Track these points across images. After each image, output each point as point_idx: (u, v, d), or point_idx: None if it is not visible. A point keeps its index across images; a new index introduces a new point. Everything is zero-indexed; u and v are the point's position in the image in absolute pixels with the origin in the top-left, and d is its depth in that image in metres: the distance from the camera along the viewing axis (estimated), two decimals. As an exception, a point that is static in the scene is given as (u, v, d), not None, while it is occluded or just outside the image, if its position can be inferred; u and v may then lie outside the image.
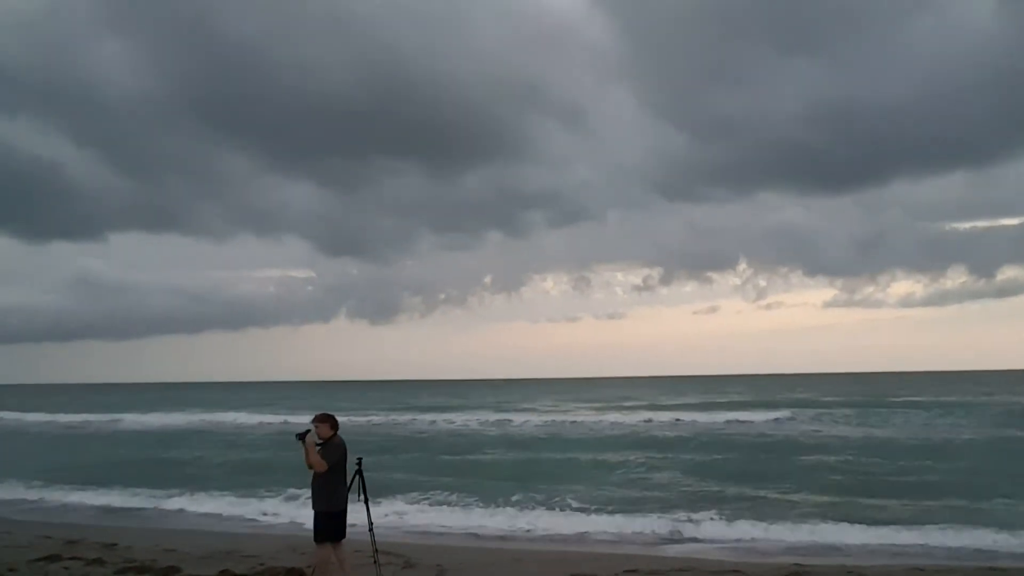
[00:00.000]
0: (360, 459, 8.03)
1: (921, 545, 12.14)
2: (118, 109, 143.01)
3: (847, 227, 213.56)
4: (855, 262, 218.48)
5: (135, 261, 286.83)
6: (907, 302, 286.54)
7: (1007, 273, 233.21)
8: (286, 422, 38.99)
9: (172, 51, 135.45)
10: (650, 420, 38.20)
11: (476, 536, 13.27)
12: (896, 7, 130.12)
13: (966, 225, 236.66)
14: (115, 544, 11.44)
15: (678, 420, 38.32)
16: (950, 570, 9.87)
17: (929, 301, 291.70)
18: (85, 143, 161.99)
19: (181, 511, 15.97)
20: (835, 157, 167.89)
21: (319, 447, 7.72)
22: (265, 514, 15.43)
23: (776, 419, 38.14)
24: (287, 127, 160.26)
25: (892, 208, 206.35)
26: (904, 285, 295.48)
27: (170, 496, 17.24)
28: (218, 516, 15.42)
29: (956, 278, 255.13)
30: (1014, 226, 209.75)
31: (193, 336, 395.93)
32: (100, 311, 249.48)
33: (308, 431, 7.76)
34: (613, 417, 40.17)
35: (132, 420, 44.35)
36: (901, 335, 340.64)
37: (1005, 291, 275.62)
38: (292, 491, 16.81)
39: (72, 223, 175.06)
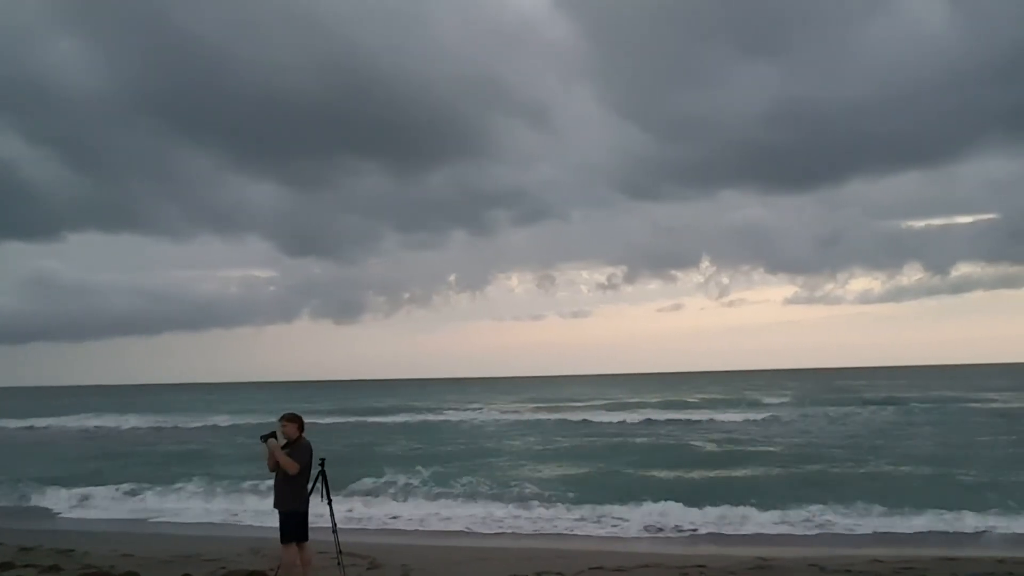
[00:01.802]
0: (323, 460, 7.98)
1: (882, 533, 12.48)
2: (74, 107, 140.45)
3: (807, 225, 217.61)
4: (815, 260, 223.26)
5: (93, 261, 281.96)
6: (865, 298, 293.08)
7: (961, 270, 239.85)
8: (260, 423, 38.51)
9: (128, 48, 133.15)
10: (621, 420, 38.30)
11: (441, 535, 13.25)
12: (853, 10, 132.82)
13: (921, 223, 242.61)
14: (72, 550, 11.18)
15: (643, 419, 38.56)
16: (909, 560, 10.07)
17: (886, 297, 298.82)
18: (40, 141, 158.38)
19: (143, 514, 15.73)
20: (795, 157, 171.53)
21: (286, 448, 7.65)
22: (226, 516, 15.25)
23: (739, 415, 38.64)
24: (249, 126, 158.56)
25: (850, 207, 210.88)
26: (862, 282, 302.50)
27: (131, 499, 16.97)
28: (177, 519, 15.20)
29: (912, 275, 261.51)
30: (967, 224, 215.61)
31: (153, 337, 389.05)
32: (57, 312, 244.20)
33: (273, 432, 7.68)
34: (584, 416, 40.32)
35: (88, 421, 43.47)
36: (860, 331, 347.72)
37: (959, 287, 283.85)
38: (252, 493, 16.61)
39: (28, 223, 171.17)
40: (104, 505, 16.66)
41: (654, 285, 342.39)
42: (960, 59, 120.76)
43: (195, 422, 42.23)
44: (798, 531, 12.90)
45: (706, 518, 13.65)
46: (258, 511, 14.98)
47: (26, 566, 10.03)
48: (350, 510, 14.84)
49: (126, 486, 18.14)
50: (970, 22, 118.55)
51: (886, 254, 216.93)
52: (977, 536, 12.34)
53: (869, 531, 12.78)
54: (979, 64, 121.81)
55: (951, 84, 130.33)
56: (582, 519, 14.03)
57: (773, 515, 13.72)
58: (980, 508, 13.52)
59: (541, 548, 11.68)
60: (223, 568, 9.88)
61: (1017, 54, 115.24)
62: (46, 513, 16.29)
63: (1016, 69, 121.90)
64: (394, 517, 14.78)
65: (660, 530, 13.16)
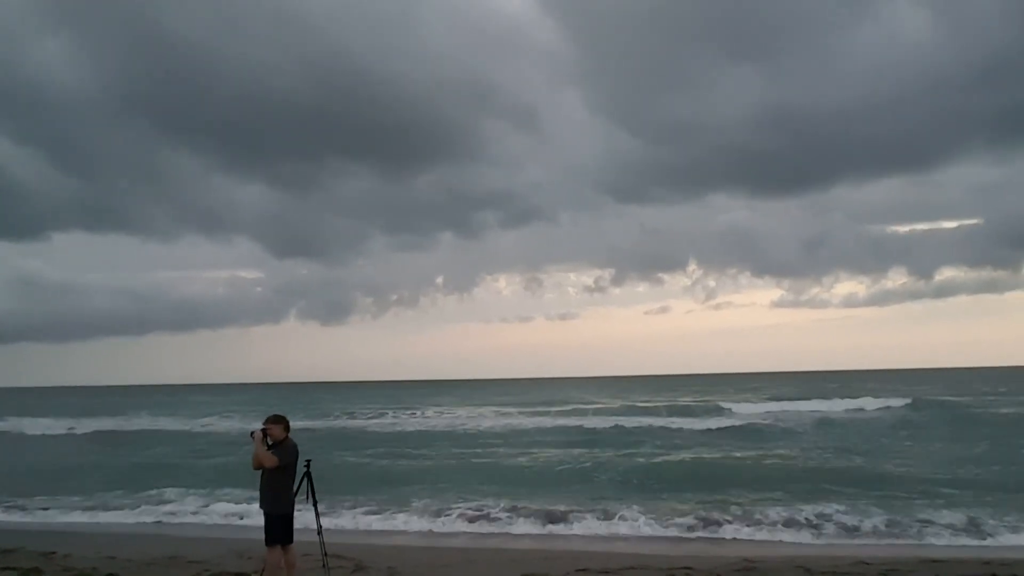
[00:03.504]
0: (308, 462, 7.95)
1: (869, 536, 12.53)
2: (61, 107, 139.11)
3: (793, 229, 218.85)
4: (801, 263, 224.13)
5: (79, 261, 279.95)
6: (850, 302, 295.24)
7: (945, 274, 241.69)
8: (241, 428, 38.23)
9: (116, 49, 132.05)
10: (614, 424, 38.07)
11: (427, 537, 13.20)
12: (839, 17, 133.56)
13: (906, 228, 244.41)
14: (53, 552, 11.07)
15: (625, 424, 38.44)
16: (894, 561, 10.13)
17: (871, 301, 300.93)
18: (26, 141, 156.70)
19: (124, 517, 15.57)
20: (781, 161, 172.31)
21: (272, 449, 7.62)
22: (210, 518, 15.14)
23: (726, 418, 38.71)
24: (237, 127, 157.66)
25: (835, 211, 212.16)
26: (847, 286, 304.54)
27: (112, 503, 16.79)
28: (160, 521, 15.08)
29: (896, 279, 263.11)
30: (951, 229, 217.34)
31: (139, 338, 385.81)
32: (41, 312, 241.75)
33: (264, 430, 7.68)
34: (567, 421, 40.20)
35: (65, 424, 42.99)
36: (845, 334, 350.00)
37: (943, 292, 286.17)
38: (238, 495, 16.52)
39: (13, 223, 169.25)
40: (87, 509, 16.47)
41: (641, 288, 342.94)
42: (943, 65, 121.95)
43: (178, 424, 41.88)
44: (785, 534, 12.91)
45: (692, 521, 13.65)
46: (243, 515, 14.89)
47: (6, 568, 9.92)
48: (327, 507, 14.76)
49: (111, 490, 17.99)
50: (953, 29, 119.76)
51: (871, 258, 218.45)
52: (959, 539, 12.43)
53: (856, 534, 12.81)
54: (962, 70, 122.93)
55: (935, 90, 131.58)
56: (568, 522, 13.98)
57: (759, 518, 13.73)
58: (967, 513, 13.56)
59: (527, 550, 11.67)
60: (207, 570, 9.82)
61: (999, 60, 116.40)
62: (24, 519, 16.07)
63: (999, 75, 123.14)
64: (375, 516, 14.69)
65: (646, 532, 13.15)
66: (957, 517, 13.27)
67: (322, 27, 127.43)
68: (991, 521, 13.00)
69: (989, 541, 12.13)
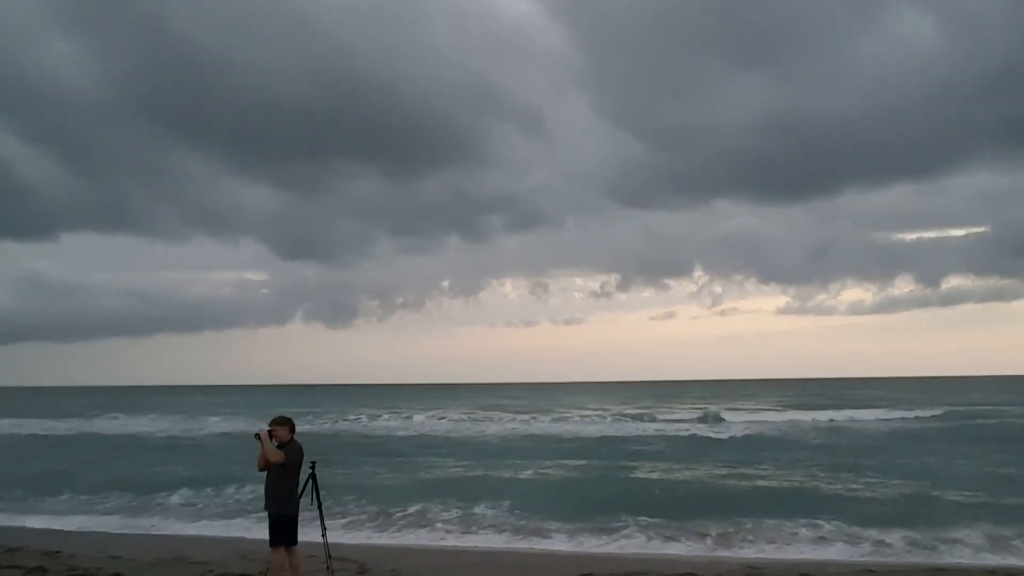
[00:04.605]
0: (313, 463, 7.95)
1: (871, 545, 12.47)
2: (70, 107, 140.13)
3: (799, 236, 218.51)
4: (807, 270, 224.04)
5: (87, 261, 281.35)
6: (856, 309, 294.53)
7: (952, 282, 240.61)
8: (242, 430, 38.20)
9: (124, 50, 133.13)
10: (611, 430, 38.30)
11: (430, 540, 13.18)
12: (845, 25, 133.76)
13: (913, 236, 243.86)
14: (58, 552, 11.10)
15: (629, 431, 38.57)
16: (898, 568, 10.09)
17: (878, 308, 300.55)
18: (35, 141, 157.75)
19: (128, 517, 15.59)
20: (787, 167, 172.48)
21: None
22: (214, 521, 15.16)
23: (724, 426, 38.70)
24: (244, 129, 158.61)
25: (842, 218, 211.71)
26: (854, 293, 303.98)
27: (113, 503, 16.83)
28: (164, 523, 15.10)
29: (903, 287, 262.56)
30: (959, 237, 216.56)
31: (145, 338, 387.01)
32: (48, 312, 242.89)
33: (270, 431, 7.68)
34: (570, 427, 40.28)
35: (66, 425, 43.14)
36: (851, 341, 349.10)
37: (950, 300, 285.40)
38: (240, 497, 16.53)
39: (22, 222, 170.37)
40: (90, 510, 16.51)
41: (647, 293, 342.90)
42: (950, 73, 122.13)
43: (184, 424, 42.01)
44: (791, 544, 12.82)
45: (696, 529, 13.58)
46: (247, 519, 14.92)
47: (11, 567, 9.95)
48: (330, 511, 14.75)
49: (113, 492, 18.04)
50: (960, 37, 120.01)
51: (878, 265, 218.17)
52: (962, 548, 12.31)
53: (864, 544, 12.71)
54: (969, 78, 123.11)
55: (941, 98, 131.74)
56: (570, 528, 13.92)
57: (764, 528, 13.61)
58: (989, 530, 13.10)
59: (530, 554, 11.66)
60: (211, 571, 9.83)
61: (1006, 68, 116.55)
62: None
63: (1005, 83, 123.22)
64: (386, 528, 14.68)
65: (649, 539, 13.09)
66: (978, 535, 12.71)
67: (329, 31, 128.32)
68: (1015, 542, 12.30)
69: (1011, 560, 11.46)
